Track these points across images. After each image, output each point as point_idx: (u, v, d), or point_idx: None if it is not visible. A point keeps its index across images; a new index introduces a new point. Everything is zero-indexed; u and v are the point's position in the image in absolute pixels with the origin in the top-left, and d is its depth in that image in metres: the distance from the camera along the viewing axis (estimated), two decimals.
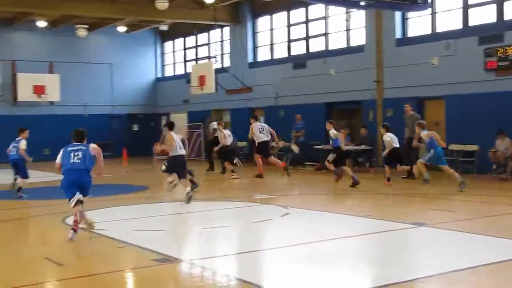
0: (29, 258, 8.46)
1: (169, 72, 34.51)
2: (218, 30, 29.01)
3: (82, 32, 30.25)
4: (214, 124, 21.94)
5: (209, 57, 28.69)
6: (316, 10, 24.28)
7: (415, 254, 8.31)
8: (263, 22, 27.44)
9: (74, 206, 9.23)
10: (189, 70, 29.23)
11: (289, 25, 25.86)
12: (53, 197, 13.81)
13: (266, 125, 18.62)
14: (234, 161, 19.79)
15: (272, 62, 26.59)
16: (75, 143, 9.51)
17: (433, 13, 20.03)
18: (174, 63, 34.04)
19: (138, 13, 27.01)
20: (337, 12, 23.34)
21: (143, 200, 14.27)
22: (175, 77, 33.22)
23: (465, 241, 9.01)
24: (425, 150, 15.51)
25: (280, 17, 26.38)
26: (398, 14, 20.95)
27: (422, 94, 20.04)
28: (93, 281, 7.16)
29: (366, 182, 17.13)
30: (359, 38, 22.64)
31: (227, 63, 28.80)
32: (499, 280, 6.87)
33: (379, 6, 19.13)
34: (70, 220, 9.51)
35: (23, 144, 15.14)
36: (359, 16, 22.47)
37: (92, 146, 9.52)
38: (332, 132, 16.25)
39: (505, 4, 18.30)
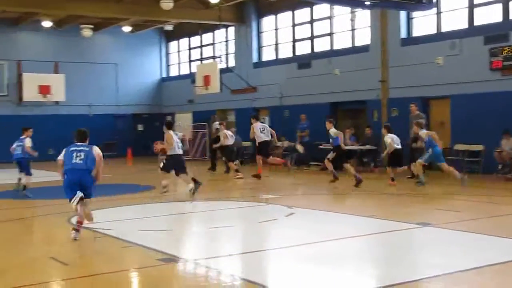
0: (34, 258, 8.48)
1: (174, 72, 34.54)
2: (223, 30, 29.03)
3: (87, 32, 30.32)
4: (216, 124, 22.04)
5: (214, 57, 28.70)
6: (321, 10, 24.26)
7: (420, 254, 8.29)
8: (268, 22, 27.44)
9: (76, 204, 9.26)
10: (194, 70, 29.24)
11: (294, 25, 25.85)
12: (58, 197, 13.76)
13: (267, 125, 18.65)
14: (234, 162, 19.78)
15: (277, 62, 26.58)
16: (78, 143, 9.54)
17: (438, 13, 19.99)
18: (179, 63, 34.08)
19: (143, 13, 27.05)
20: (342, 11, 23.32)
21: (148, 200, 14.28)
22: (180, 77, 33.26)
23: (470, 241, 8.98)
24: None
25: (285, 17, 26.37)
26: (403, 14, 20.91)
27: (427, 94, 20.00)
28: (98, 281, 7.17)
29: (371, 182, 17.11)
30: (364, 37, 22.62)
31: (232, 63, 28.82)
32: (504, 280, 6.85)
33: (384, 6, 19.10)
34: (75, 220, 9.53)
35: (28, 142, 15.41)
36: (364, 16, 22.45)
37: (96, 150, 9.53)
38: (333, 130, 16.27)
39: (511, 3, 18.25)
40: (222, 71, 25.76)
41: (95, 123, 31.03)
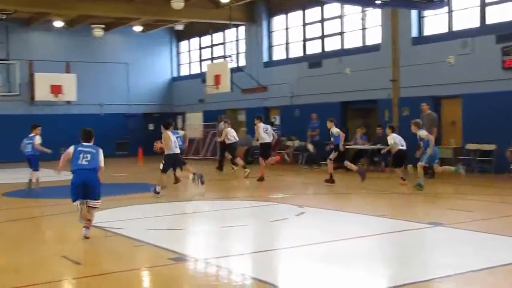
0: (46, 256, 8.53)
1: (184, 72, 34.61)
2: (234, 29, 29.06)
3: (98, 32, 30.44)
4: (222, 124, 22.17)
5: (224, 57, 28.71)
6: (332, 9, 24.21)
7: (431, 254, 8.26)
8: (278, 21, 27.42)
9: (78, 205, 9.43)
10: (204, 69, 29.26)
11: (304, 24, 25.82)
12: (69, 196, 13.87)
13: (269, 126, 18.69)
14: (239, 160, 19.91)
15: (288, 61, 26.56)
16: (84, 143, 9.63)
17: (450, 12, 19.90)
18: (189, 63, 34.15)
19: (154, 13, 27.11)
20: (352, 11, 23.28)
21: (159, 199, 14.29)
22: (190, 77, 33.33)
23: (482, 241, 8.94)
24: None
25: (295, 16, 26.35)
26: (414, 13, 20.84)
27: (438, 93, 19.92)
28: (109, 280, 7.20)
29: (382, 181, 17.09)
30: (375, 37, 22.56)
31: (242, 62, 28.83)
32: None
33: (395, 5, 19.04)
34: (84, 231, 9.56)
35: (38, 139, 15.86)
36: (375, 15, 22.39)
37: (101, 154, 9.59)
38: (334, 129, 16.29)
39: None
40: (233, 70, 25.78)
41: (107, 123, 31.25)
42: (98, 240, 9.42)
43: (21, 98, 29.83)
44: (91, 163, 9.40)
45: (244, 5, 27.08)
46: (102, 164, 9.54)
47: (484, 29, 18.90)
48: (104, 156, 9.61)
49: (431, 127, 17.39)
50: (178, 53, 34.93)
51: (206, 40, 32.23)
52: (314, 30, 25.37)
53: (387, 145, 20.13)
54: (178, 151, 14.80)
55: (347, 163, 16.67)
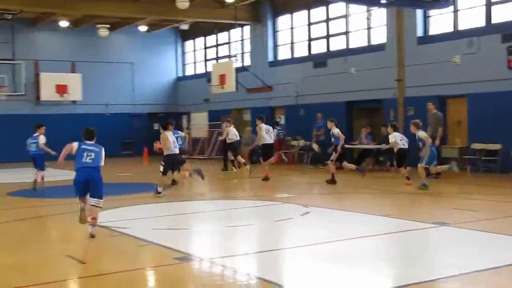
0: (52, 256, 8.55)
1: (189, 71, 34.64)
2: (239, 29, 29.08)
3: (103, 31, 30.50)
4: (225, 124, 22.28)
5: (229, 56, 28.74)
6: (337, 8, 24.19)
7: (436, 254, 8.25)
8: (283, 20, 27.42)
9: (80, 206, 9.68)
10: (209, 69, 29.30)
11: (309, 24, 25.81)
12: (74, 195, 13.91)
13: (271, 128, 18.71)
14: (241, 159, 20.14)
15: (293, 60, 26.56)
16: (88, 141, 9.81)
17: (455, 11, 19.86)
18: (194, 62, 34.17)
19: (159, 13, 27.14)
20: (357, 10, 23.25)
21: (164, 198, 14.32)
22: (195, 76, 33.35)
23: (487, 241, 8.92)
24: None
25: (300, 16, 26.34)
26: (419, 12, 20.80)
27: (444, 93, 19.88)
28: (115, 279, 7.22)
29: (387, 181, 17.07)
30: (380, 36, 22.54)
31: (247, 62, 28.84)
32: None
33: (401, 4, 19.01)
34: (90, 218, 9.63)
35: (42, 139, 15.96)
36: (380, 14, 22.36)
37: (103, 153, 9.79)
38: (335, 130, 16.30)
39: None
40: (238, 70, 25.78)
41: (112, 122, 31.34)
42: (103, 240, 9.44)
43: (27, 98, 29.92)
44: (94, 161, 9.59)
45: (249, 5, 27.09)
46: (102, 163, 9.73)
47: (490, 28, 18.86)
48: (109, 156, 9.77)
49: (436, 126, 17.37)
50: (183, 53, 34.96)
51: (211, 39, 32.25)
52: (319, 30, 25.35)
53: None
54: (177, 151, 14.84)
55: (345, 164, 16.65)
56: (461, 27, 19.86)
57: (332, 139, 16.59)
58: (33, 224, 11.71)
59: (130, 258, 8.30)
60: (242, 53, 29.33)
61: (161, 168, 14.60)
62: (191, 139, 30.73)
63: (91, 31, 30.64)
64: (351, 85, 22.92)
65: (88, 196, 9.61)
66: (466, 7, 19.76)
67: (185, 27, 31.97)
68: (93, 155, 9.60)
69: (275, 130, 24.88)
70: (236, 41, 29.78)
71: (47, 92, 29.41)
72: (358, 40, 23.56)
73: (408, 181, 15.54)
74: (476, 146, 18.61)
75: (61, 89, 29.58)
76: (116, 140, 31.31)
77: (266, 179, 17.60)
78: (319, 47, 25.42)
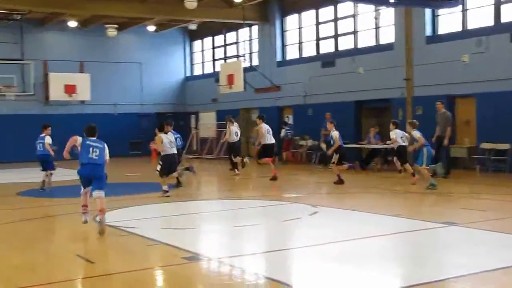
0: (60, 255, 8.58)
1: (198, 71, 34.67)
2: (247, 28, 29.07)
3: (112, 31, 30.58)
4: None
5: (237, 56, 28.75)
6: (345, 8, 24.15)
7: (445, 253, 8.23)
8: (291, 20, 27.40)
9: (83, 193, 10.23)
10: (217, 69, 29.29)
11: (317, 23, 25.78)
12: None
13: (270, 129, 18.70)
14: (238, 159, 20.01)
15: (301, 60, 26.53)
16: (92, 138, 10.14)
17: (464, 10, 19.78)
18: (202, 62, 34.20)
19: (167, 13, 27.18)
20: (366, 10, 23.21)
21: (173, 198, 14.34)
22: (204, 76, 33.38)
23: (496, 241, 8.88)
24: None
25: (308, 15, 26.31)
26: (428, 11, 20.73)
27: (452, 92, 19.81)
28: (123, 279, 7.23)
29: (395, 180, 17.03)
30: (388, 36, 22.48)
31: (255, 61, 28.83)
32: None
33: (409, 3, 18.96)
34: (99, 218, 9.70)
35: (48, 139, 16.04)
36: (388, 14, 22.31)
37: (107, 149, 10.19)
38: (334, 133, 16.35)
39: None
40: (246, 70, 25.78)
41: (120, 122, 31.42)
42: (112, 239, 9.47)
43: (36, 98, 30.02)
44: (100, 158, 9.94)
45: (257, 5, 27.09)
46: (108, 157, 10.17)
47: (499, 27, 18.78)
48: (118, 156, 9.87)
49: (445, 126, 17.31)
50: (191, 53, 35.00)
51: (219, 39, 32.27)
52: (327, 29, 25.32)
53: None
54: (174, 151, 14.93)
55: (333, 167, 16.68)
56: (470, 26, 19.78)
57: (332, 142, 16.61)
58: (42, 224, 11.76)
59: (138, 258, 8.32)
60: (250, 53, 29.34)
61: (158, 168, 14.70)
62: (199, 139, 30.86)
63: (100, 31, 30.73)
64: (360, 84, 22.88)
65: (91, 189, 9.99)
66: (475, 6, 19.68)
67: (193, 27, 32.02)
68: (98, 151, 9.93)
69: (283, 130, 25.01)
70: (244, 41, 29.77)
71: (56, 92, 29.51)
72: (366, 40, 23.51)
73: (413, 177, 15.54)
74: (485, 145, 18.54)
75: (70, 89, 29.68)
76: (125, 140, 31.38)
77: (274, 178, 17.59)
78: (327, 47, 25.38)
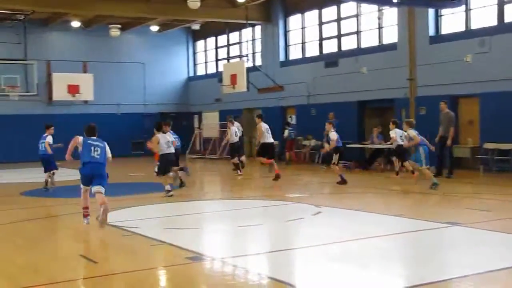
0: (64, 255, 8.60)
1: (201, 71, 34.68)
2: (250, 28, 29.08)
3: (115, 32, 30.59)
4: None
5: (240, 56, 28.72)
6: (348, 8, 24.14)
7: (449, 253, 8.23)
8: (294, 20, 27.40)
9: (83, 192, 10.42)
10: (221, 69, 29.31)
11: (320, 23, 25.77)
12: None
13: (269, 128, 18.69)
14: (236, 160, 19.98)
15: (304, 60, 26.53)
16: (92, 137, 10.35)
17: (467, 10, 19.75)
18: (206, 62, 34.21)
19: (170, 13, 27.20)
20: (369, 10, 23.19)
21: (176, 198, 14.35)
22: (207, 76, 33.39)
23: (499, 241, 8.88)
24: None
25: (311, 16, 26.30)
26: (431, 11, 20.71)
27: (455, 92, 19.78)
28: (127, 279, 7.24)
29: (398, 181, 17.02)
30: (391, 36, 22.46)
31: (258, 61, 28.84)
32: None
33: (412, 3, 18.94)
34: (102, 208, 9.80)
35: (49, 139, 16.21)
36: (391, 14, 22.28)
37: (108, 147, 10.42)
38: (332, 134, 16.37)
39: None
40: (249, 70, 25.75)
41: (123, 122, 31.46)
42: (115, 239, 9.48)
43: (39, 98, 30.05)
44: (101, 157, 10.14)
45: (260, 5, 27.09)
46: (109, 155, 10.38)
47: (502, 27, 18.75)
48: (121, 156, 9.94)
49: (448, 126, 17.29)
50: (194, 53, 35.01)
51: (222, 39, 32.27)
52: (330, 29, 25.30)
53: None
54: (172, 151, 14.94)
55: (333, 167, 16.71)
56: (473, 26, 19.76)
57: (330, 142, 16.62)
58: (45, 224, 11.78)
59: (142, 258, 8.33)
60: (253, 53, 29.35)
61: (156, 168, 14.80)
62: (202, 139, 30.86)
63: (103, 31, 30.75)
64: (363, 84, 22.87)
65: (91, 186, 10.15)
66: (478, 6, 19.65)
67: (196, 27, 32.03)
68: (99, 150, 10.13)
69: (286, 130, 24.99)
70: (247, 41, 29.78)
71: (59, 92, 29.53)
72: (369, 40, 23.49)
73: (413, 174, 15.56)
74: (489, 145, 18.51)
75: (73, 89, 29.70)
76: (127, 140, 31.43)
77: (277, 177, 17.56)
78: (330, 47, 25.37)
